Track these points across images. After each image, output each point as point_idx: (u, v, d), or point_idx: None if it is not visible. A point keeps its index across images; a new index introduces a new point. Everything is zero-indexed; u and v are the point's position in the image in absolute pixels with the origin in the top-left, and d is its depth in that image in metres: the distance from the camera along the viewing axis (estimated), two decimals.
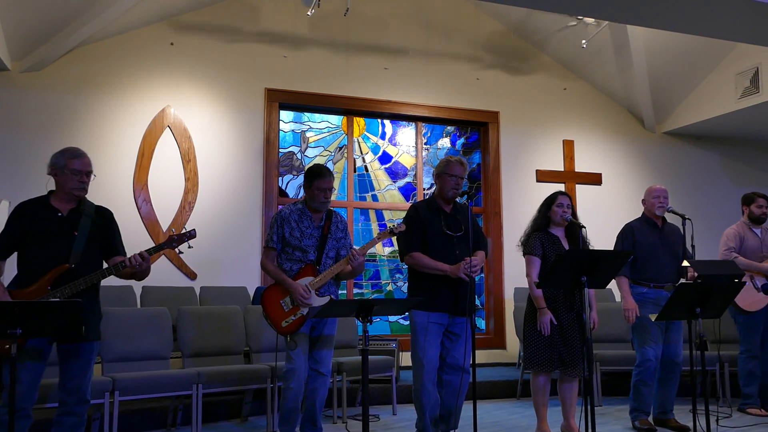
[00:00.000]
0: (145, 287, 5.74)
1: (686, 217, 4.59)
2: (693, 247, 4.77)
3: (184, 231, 3.37)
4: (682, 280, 4.62)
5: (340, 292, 4.13)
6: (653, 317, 4.33)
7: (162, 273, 6.05)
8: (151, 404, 4.63)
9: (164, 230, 6.30)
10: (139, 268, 3.18)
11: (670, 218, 4.79)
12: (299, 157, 7.16)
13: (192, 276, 6.32)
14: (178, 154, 6.48)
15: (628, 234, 4.64)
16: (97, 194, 3.50)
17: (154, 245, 3.81)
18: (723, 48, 7.27)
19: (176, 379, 4.31)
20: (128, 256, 3.24)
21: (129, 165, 6.29)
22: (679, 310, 3.83)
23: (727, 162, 8.73)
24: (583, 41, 7.13)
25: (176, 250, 3.38)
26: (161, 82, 6.51)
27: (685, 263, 4.67)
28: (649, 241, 4.59)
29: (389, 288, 7.37)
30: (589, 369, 3.52)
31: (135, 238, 5.77)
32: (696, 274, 4.40)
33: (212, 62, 6.71)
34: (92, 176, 3.29)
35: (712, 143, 8.61)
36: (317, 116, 7.29)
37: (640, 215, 4.80)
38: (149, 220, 6.28)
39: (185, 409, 4.61)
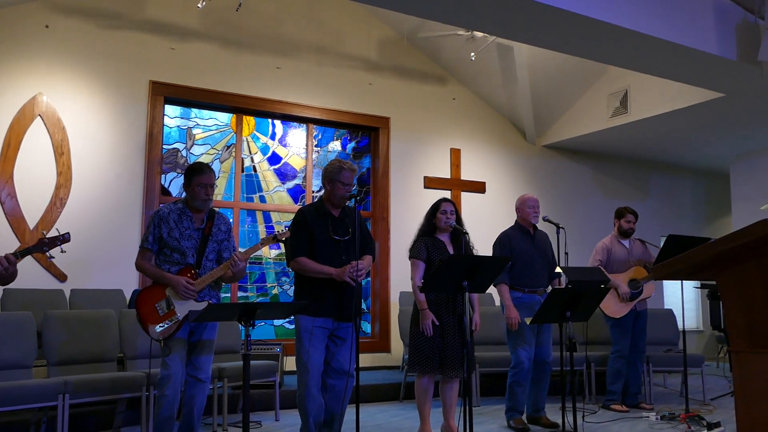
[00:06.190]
0: (6, 290, 5.30)
1: (560, 226, 4.89)
2: (566, 254, 5.09)
3: (56, 234, 3.14)
4: (554, 286, 4.90)
5: (222, 295, 4.03)
6: (528, 321, 4.56)
7: (27, 274, 5.61)
8: (10, 418, 4.28)
9: (31, 228, 5.86)
10: (4, 273, 2.89)
11: (542, 226, 5.06)
12: (184, 155, 6.92)
13: (62, 278, 5.93)
14: (50, 146, 6.05)
15: (505, 241, 4.86)
16: None
17: (21, 248, 3.51)
18: (597, 69, 7.81)
19: (39, 390, 4.00)
20: None
21: None
22: (552, 313, 4.07)
23: (599, 176, 9.38)
24: (472, 54, 7.40)
25: (47, 254, 3.15)
26: (33, 67, 6.05)
27: (558, 269, 4.97)
28: (523, 248, 4.83)
29: (275, 291, 7.27)
30: (469, 370, 3.65)
31: None
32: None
33: (92, 49, 6.32)
34: None
35: (585, 158, 9.22)
36: (205, 113, 7.08)
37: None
38: (14, 217, 5.81)
39: (50, 421, 4.30)
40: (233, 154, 7.17)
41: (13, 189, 5.84)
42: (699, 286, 8.67)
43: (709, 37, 5.57)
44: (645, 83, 7.42)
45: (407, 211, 7.66)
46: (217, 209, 4.00)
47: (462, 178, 8.24)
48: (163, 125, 6.70)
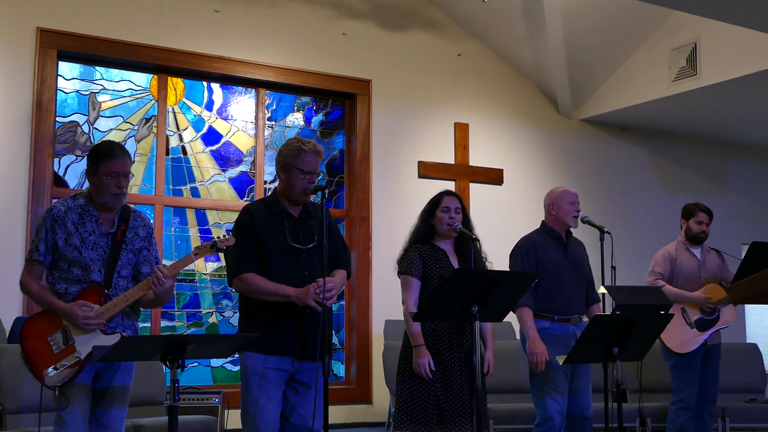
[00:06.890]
0: None
1: (605, 230, 4.92)
2: (613, 268, 5.10)
3: None
4: (593, 312, 4.91)
5: (141, 325, 4.05)
6: (560, 360, 4.59)
7: None
8: None
9: None
10: None
11: (577, 232, 5.08)
12: (86, 131, 6.92)
13: None
14: None
15: (529, 250, 4.87)
16: None
17: None
18: (655, 16, 7.86)
19: None
20: None
21: None
22: (592, 350, 4.10)
23: (657, 161, 9.46)
24: None
25: None
26: None
27: (602, 289, 5.01)
28: (553, 259, 4.85)
29: (212, 320, 7.29)
30: (479, 428, 3.67)
31: None
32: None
33: None
34: None
35: (639, 136, 9.29)
36: (115, 73, 7.08)
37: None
38: None
39: None
40: (154, 130, 7.16)
41: None
42: None
43: None
44: (721, 35, 7.47)
45: (395, 209, 7.68)
46: (132, 206, 4.02)
47: (471, 163, 8.28)
48: (57, 90, 6.69)
